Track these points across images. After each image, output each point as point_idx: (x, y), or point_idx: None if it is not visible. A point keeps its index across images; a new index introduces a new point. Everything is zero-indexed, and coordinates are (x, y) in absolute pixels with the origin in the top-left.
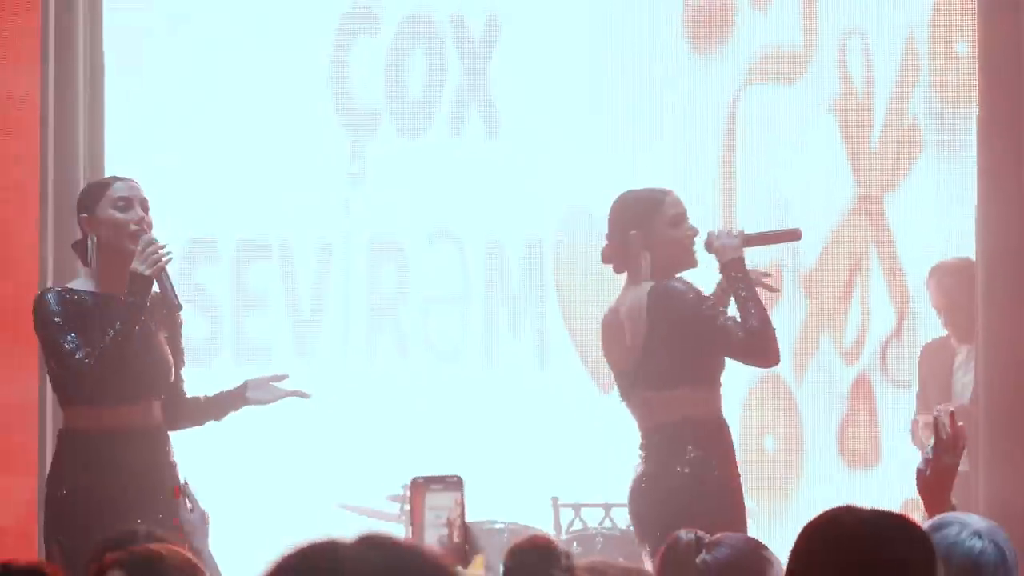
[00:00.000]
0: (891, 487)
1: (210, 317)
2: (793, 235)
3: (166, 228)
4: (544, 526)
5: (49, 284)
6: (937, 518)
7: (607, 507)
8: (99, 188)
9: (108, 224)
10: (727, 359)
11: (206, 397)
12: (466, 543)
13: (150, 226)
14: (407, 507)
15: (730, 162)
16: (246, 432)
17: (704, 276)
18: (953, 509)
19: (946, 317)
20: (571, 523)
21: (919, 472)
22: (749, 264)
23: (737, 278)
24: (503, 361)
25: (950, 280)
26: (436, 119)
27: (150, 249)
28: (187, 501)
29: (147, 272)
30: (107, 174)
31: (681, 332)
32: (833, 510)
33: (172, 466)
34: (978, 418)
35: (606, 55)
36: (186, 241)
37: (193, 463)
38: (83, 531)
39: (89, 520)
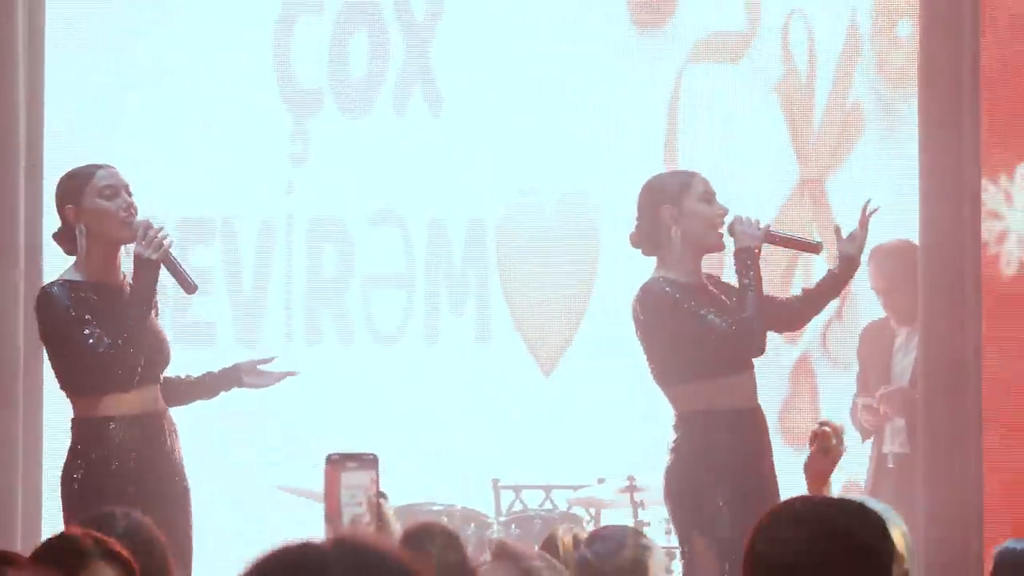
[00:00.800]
0: None
1: None
2: (814, 248)
3: None
4: (485, 508)
5: None
6: None
7: (548, 488)
8: (82, 178)
9: (96, 213)
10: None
11: (190, 377)
12: (379, 522)
13: (136, 211)
14: None
15: (673, 142)
16: (185, 415)
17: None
18: None
19: (886, 299)
20: (511, 505)
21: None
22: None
23: (747, 266)
24: (445, 342)
25: (890, 262)
26: (379, 99)
27: (151, 233)
28: None
29: (154, 256)
30: (46, 159)
31: (667, 329)
32: (789, 499)
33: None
34: (918, 400)
35: (549, 35)
36: None
37: None
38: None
39: (102, 505)
